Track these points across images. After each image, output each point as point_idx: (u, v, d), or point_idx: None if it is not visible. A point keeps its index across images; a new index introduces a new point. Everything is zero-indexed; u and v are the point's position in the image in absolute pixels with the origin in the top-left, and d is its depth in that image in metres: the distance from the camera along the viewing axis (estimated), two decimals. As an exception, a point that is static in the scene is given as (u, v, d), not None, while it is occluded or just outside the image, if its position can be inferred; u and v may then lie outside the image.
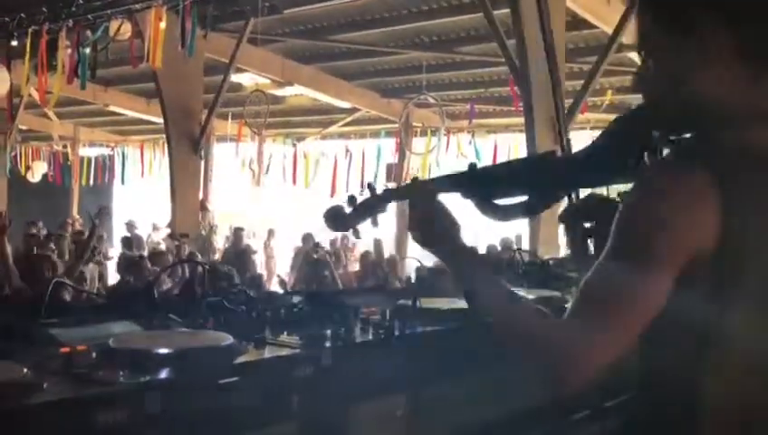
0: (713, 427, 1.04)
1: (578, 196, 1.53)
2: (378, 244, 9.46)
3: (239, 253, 8.66)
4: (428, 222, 1.27)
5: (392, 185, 11.68)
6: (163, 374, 1.30)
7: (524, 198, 1.34)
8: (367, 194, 1.45)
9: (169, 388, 1.27)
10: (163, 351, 1.38)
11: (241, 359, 1.45)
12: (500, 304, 1.15)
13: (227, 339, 1.47)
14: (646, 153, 1.18)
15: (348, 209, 1.46)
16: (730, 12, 1.05)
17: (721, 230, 0.99)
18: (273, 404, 1.41)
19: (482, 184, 1.35)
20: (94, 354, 1.35)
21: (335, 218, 1.49)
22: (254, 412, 1.37)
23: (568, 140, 6.80)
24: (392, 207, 1.47)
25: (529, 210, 1.35)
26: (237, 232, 10.23)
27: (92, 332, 1.55)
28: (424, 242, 1.28)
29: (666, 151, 1.15)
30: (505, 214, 1.37)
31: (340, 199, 1.51)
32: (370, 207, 1.45)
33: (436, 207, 1.28)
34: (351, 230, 1.51)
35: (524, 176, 1.36)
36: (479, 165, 1.40)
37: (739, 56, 1.06)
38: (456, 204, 1.34)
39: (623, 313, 1.02)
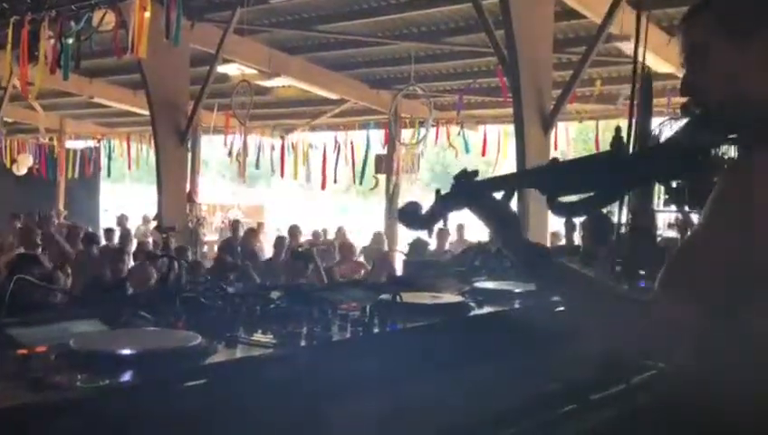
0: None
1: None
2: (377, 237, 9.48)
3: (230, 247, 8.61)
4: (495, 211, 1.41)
5: (382, 177, 11.59)
6: (125, 377, 1.24)
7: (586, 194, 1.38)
8: (453, 193, 1.47)
9: (131, 392, 1.22)
10: (125, 352, 1.31)
11: (209, 360, 1.37)
12: (571, 284, 1.30)
13: (195, 339, 1.41)
14: (713, 150, 1.28)
15: (421, 209, 1.51)
16: None
17: None
18: (244, 407, 1.34)
19: (561, 180, 1.40)
20: (53, 356, 1.29)
21: (413, 218, 1.53)
22: (223, 416, 1.30)
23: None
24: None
25: (594, 205, 1.38)
26: (235, 224, 10.27)
27: (56, 331, 1.47)
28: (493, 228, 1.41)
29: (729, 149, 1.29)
30: (567, 211, 1.45)
31: (417, 197, 1.48)
32: (448, 206, 1.49)
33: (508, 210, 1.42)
34: (428, 231, 1.57)
35: (593, 173, 1.39)
36: (559, 160, 1.46)
37: None
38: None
39: (705, 297, 1.09)
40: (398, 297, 1.86)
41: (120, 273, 4.55)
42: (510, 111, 7.45)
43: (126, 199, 16.12)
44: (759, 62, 1.16)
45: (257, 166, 13.16)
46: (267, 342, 1.50)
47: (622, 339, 1.23)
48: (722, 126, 1.25)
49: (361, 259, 8.92)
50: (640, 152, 1.51)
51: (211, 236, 13.54)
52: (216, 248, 11.89)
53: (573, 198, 1.39)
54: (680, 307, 1.10)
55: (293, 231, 9.74)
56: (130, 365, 1.27)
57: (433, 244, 8.37)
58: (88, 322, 1.57)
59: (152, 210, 10.52)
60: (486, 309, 1.99)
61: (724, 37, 1.19)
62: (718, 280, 1.09)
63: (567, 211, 1.46)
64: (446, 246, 9.20)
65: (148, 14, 7.60)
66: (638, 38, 3.28)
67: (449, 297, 2.08)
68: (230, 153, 12.21)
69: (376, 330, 1.67)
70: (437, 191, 1.51)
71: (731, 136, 1.25)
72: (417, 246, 6.87)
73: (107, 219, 13.79)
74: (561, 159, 1.47)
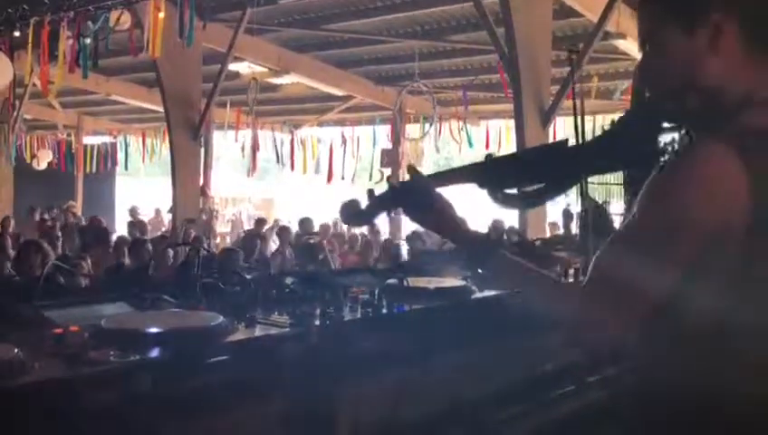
0: (720, 411, 1.04)
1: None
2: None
3: (246, 237, 8.90)
4: (432, 206, 1.36)
5: (387, 171, 11.81)
6: (153, 354, 1.30)
7: (536, 186, 1.37)
8: (384, 189, 1.47)
9: (160, 367, 1.28)
10: (153, 330, 1.37)
11: (231, 338, 1.44)
12: (516, 278, 1.27)
13: (218, 319, 1.47)
14: (659, 141, 1.24)
15: (365, 204, 1.49)
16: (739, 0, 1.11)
17: (751, 207, 1.01)
18: (263, 382, 1.42)
19: (497, 174, 1.38)
20: (86, 335, 1.34)
21: (351, 214, 1.52)
22: (244, 390, 1.38)
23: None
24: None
25: (541, 198, 1.38)
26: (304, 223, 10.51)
27: (86, 313, 1.54)
28: (431, 224, 1.39)
29: (677, 138, 1.22)
30: (517, 203, 1.42)
31: (356, 193, 1.57)
32: (387, 202, 1.47)
33: (441, 199, 1.36)
34: (368, 227, 1.59)
35: (538, 165, 1.38)
36: (494, 156, 1.45)
37: (746, 43, 1.11)
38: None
39: (636, 285, 1.05)
40: (404, 281, 1.97)
41: (142, 260, 4.84)
42: (510, 106, 7.67)
43: (141, 193, 16.43)
44: (705, 48, 1.11)
45: (278, 160, 13.37)
46: (284, 322, 1.58)
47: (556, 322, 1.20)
48: (671, 114, 1.22)
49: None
50: (584, 143, 1.49)
51: (223, 229, 13.86)
52: (227, 240, 12.25)
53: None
54: (605, 298, 1.08)
55: (305, 224, 9.99)
56: (158, 343, 1.35)
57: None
58: (115, 304, 1.66)
59: (164, 203, 10.81)
60: (487, 293, 2.05)
61: (672, 24, 1.15)
62: (642, 276, 1.05)
63: (511, 203, 1.43)
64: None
65: (162, 15, 7.85)
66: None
67: (452, 281, 2.16)
68: (242, 148, 12.48)
69: (384, 311, 1.76)
70: (370, 191, 1.49)
71: (674, 125, 1.23)
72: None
73: (123, 212, 14.12)
74: (494, 155, 1.47)
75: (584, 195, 2.76)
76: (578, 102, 2.88)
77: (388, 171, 12.18)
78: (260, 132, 12.53)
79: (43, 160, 15.11)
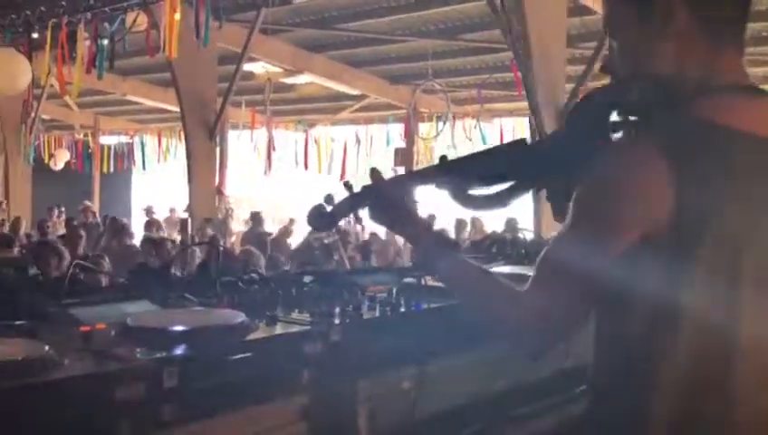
0: (664, 397, 1.03)
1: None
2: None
3: (257, 236, 8.97)
4: (392, 208, 1.36)
5: (401, 169, 11.87)
6: (178, 351, 1.32)
7: (500, 187, 1.34)
8: (345, 193, 1.46)
9: (184, 363, 1.30)
10: (178, 328, 1.39)
11: (253, 335, 1.47)
12: (460, 277, 1.25)
13: (240, 317, 1.49)
14: (613, 134, 1.19)
15: (327, 208, 1.49)
16: None
17: (675, 201, 0.99)
18: (284, 378, 1.45)
19: (454, 175, 1.36)
20: (112, 332, 1.38)
21: (317, 218, 1.51)
22: (266, 386, 1.41)
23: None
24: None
25: (503, 199, 1.35)
26: (256, 216, 10.58)
27: (110, 311, 1.57)
28: (390, 225, 1.40)
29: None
30: (480, 204, 1.39)
31: (320, 199, 1.55)
32: (350, 206, 1.48)
33: (396, 195, 1.37)
34: (335, 230, 1.61)
35: (496, 165, 1.36)
36: (450, 156, 1.42)
37: (698, 29, 1.09)
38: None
39: (570, 285, 1.06)
40: (422, 280, 1.97)
41: (166, 259, 4.90)
42: (525, 104, 7.68)
43: (157, 192, 16.56)
44: (657, 34, 1.10)
45: (300, 163, 13.43)
46: (304, 320, 1.60)
47: (501, 329, 1.21)
48: (625, 103, 1.18)
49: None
50: (540, 142, 1.43)
51: (238, 227, 13.94)
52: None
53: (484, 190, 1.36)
54: (549, 297, 1.08)
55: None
56: (182, 340, 1.36)
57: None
58: (138, 302, 1.67)
59: (179, 203, 10.89)
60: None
61: (625, 9, 1.14)
62: (583, 274, 1.05)
63: (476, 205, 1.40)
64: (465, 236, 9.50)
65: (178, 16, 7.93)
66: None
67: None
68: (255, 148, 12.56)
69: (402, 309, 1.77)
70: (346, 184, 1.49)
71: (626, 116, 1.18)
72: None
73: (139, 211, 14.26)
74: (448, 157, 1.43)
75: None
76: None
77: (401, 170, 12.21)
78: (274, 132, 12.58)
79: (61, 160, 15.27)
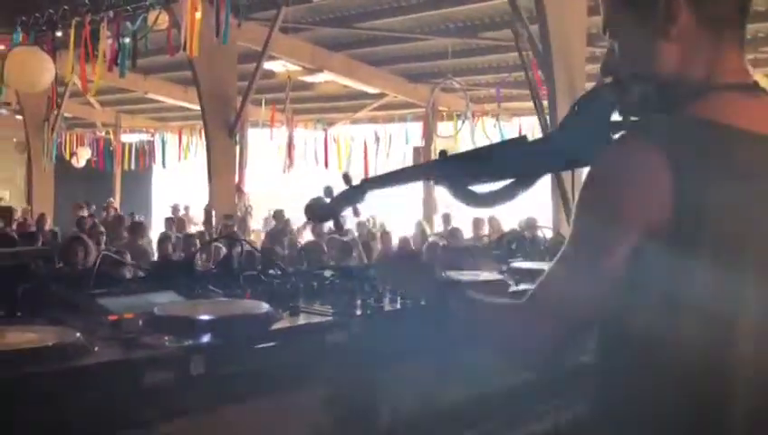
0: (670, 392, 1.04)
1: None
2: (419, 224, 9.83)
3: (278, 232, 9.05)
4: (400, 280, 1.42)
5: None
6: (205, 339, 1.36)
7: (499, 184, 1.34)
8: (344, 185, 1.47)
9: (211, 352, 1.33)
10: (205, 317, 1.43)
11: (277, 325, 1.49)
12: (469, 308, 1.23)
13: (264, 307, 1.52)
14: (614, 133, 1.19)
15: (326, 200, 1.50)
16: None
17: (676, 200, 0.99)
18: (307, 368, 1.47)
19: (454, 171, 1.36)
20: (140, 322, 1.41)
21: (316, 210, 1.53)
22: (289, 375, 1.43)
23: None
24: (372, 195, 1.51)
25: (503, 196, 1.34)
26: (278, 213, 10.68)
27: (137, 301, 1.60)
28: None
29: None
30: (479, 200, 1.39)
31: (319, 192, 1.56)
32: (348, 198, 1.48)
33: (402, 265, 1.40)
34: (333, 222, 1.56)
35: (498, 162, 1.35)
36: (450, 153, 1.43)
37: (700, 29, 1.08)
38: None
39: (577, 282, 1.06)
40: (442, 274, 1.90)
41: (191, 253, 4.98)
42: (545, 103, 7.66)
43: (177, 189, 16.68)
44: (658, 34, 1.09)
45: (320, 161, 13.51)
46: (326, 311, 1.62)
47: (500, 344, 1.19)
48: (625, 104, 1.19)
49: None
50: (541, 139, 1.42)
51: (256, 225, 14.02)
52: (261, 237, 12.40)
53: (485, 188, 1.37)
54: (556, 294, 1.08)
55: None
56: (209, 329, 1.39)
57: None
58: (165, 293, 1.71)
59: (196, 201, 10.97)
60: (523, 286, 2.04)
61: (625, 9, 1.13)
62: (573, 287, 1.06)
63: (478, 201, 1.41)
64: (486, 231, 9.51)
65: (199, 15, 8.01)
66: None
67: (489, 275, 2.18)
68: (278, 146, 12.63)
69: (423, 302, 1.74)
70: (345, 176, 1.51)
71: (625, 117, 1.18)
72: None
73: (160, 208, 14.39)
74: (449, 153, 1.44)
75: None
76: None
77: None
78: (293, 130, 12.66)
79: (82, 158, 15.44)
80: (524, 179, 1.33)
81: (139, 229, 8.30)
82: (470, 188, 1.37)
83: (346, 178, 1.49)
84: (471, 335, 1.30)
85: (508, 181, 1.33)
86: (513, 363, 1.22)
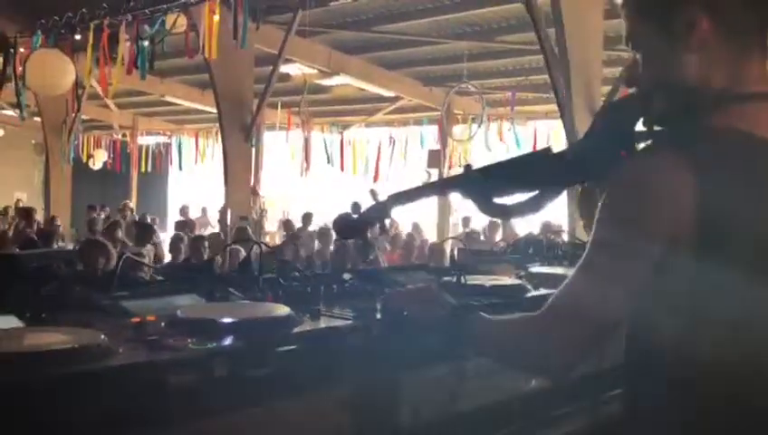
0: (698, 412, 1.04)
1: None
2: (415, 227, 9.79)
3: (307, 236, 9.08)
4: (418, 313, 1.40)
5: (434, 171, 11.83)
6: (228, 341, 1.37)
7: (525, 195, 1.35)
8: (371, 201, 1.49)
9: (234, 354, 1.34)
10: (228, 320, 1.44)
11: (299, 328, 1.50)
12: (484, 331, 1.24)
13: (286, 310, 1.54)
14: (637, 144, 1.20)
15: (354, 217, 1.51)
16: None
17: (699, 209, 0.99)
18: (328, 370, 1.48)
19: (479, 184, 1.37)
20: (163, 324, 1.42)
21: (344, 227, 1.54)
22: (311, 377, 1.44)
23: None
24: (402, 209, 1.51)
25: (530, 208, 1.35)
26: (307, 217, 10.75)
27: (159, 304, 1.61)
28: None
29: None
30: (506, 212, 1.40)
31: (348, 208, 1.56)
32: (374, 214, 1.49)
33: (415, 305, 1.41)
34: (362, 241, 1.56)
35: (522, 174, 1.36)
36: (483, 160, 1.52)
37: (720, 39, 1.08)
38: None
39: (601, 287, 1.06)
40: (461, 279, 1.97)
41: (200, 256, 5.01)
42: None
43: (194, 192, 16.78)
44: (679, 45, 1.09)
45: (329, 161, 13.56)
46: (347, 314, 1.63)
47: (519, 360, 1.21)
48: (647, 115, 1.19)
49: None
50: (566, 151, 1.38)
51: (271, 227, 14.07)
52: (276, 239, 12.45)
53: (509, 199, 1.37)
54: (568, 319, 1.08)
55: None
56: (232, 332, 1.41)
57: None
58: (187, 296, 1.72)
59: (212, 202, 11.01)
60: (542, 291, 2.05)
61: (647, 20, 1.13)
62: (593, 300, 1.06)
63: (504, 213, 1.42)
64: (498, 238, 9.49)
65: (216, 18, 8.06)
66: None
67: (508, 280, 2.18)
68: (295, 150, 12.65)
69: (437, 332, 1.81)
70: (371, 192, 1.52)
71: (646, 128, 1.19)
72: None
73: (175, 211, 14.48)
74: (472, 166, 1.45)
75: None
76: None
77: (435, 171, 12.23)
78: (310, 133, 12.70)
79: (99, 160, 15.55)
80: (550, 191, 1.34)
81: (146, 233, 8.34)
82: (495, 200, 1.38)
83: (372, 193, 1.50)
84: (489, 356, 1.32)
85: (533, 193, 1.34)
86: (534, 375, 1.25)
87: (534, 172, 1.36)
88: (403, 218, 11.78)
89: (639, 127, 1.22)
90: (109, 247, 4.68)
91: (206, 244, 6.24)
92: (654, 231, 1.03)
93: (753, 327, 1.02)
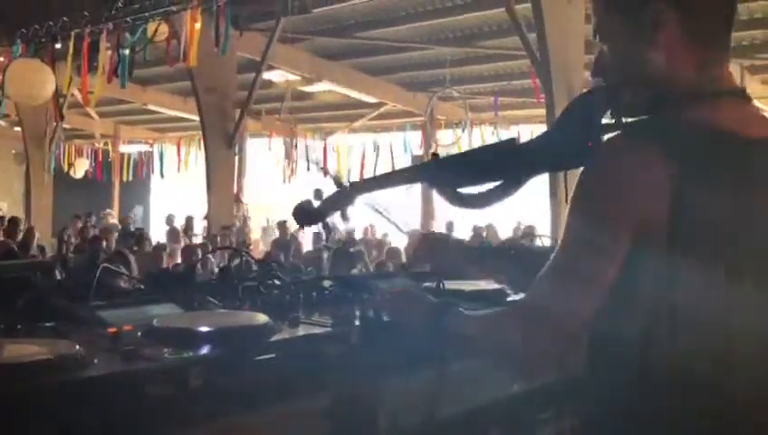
0: (660, 397, 1.03)
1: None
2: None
3: (284, 243, 9.05)
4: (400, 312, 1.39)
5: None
6: (204, 351, 1.36)
7: (489, 186, 1.34)
8: (334, 188, 1.47)
9: (210, 363, 1.33)
10: (204, 329, 1.42)
11: (276, 337, 1.49)
12: (465, 324, 1.22)
13: (264, 318, 1.52)
14: (603, 135, 1.20)
15: (315, 204, 1.50)
16: None
17: (672, 202, 0.99)
18: (307, 379, 1.47)
19: (447, 174, 1.36)
20: (139, 334, 1.41)
21: (303, 213, 1.52)
22: (289, 386, 1.43)
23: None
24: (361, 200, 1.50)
25: (495, 197, 1.34)
26: (281, 225, 10.71)
27: (136, 313, 1.59)
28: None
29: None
30: (469, 202, 1.39)
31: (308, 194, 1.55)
32: (336, 202, 1.48)
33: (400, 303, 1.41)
34: (321, 225, 1.54)
35: (488, 164, 1.35)
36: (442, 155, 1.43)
37: (687, 37, 1.08)
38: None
39: (570, 281, 1.05)
40: (440, 284, 1.95)
41: (193, 264, 5.01)
42: (542, 111, 7.68)
43: (176, 200, 16.70)
44: (646, 40, 1.09)
45: (308, 168, 13.56)
46: (325, 322, 1.62)
47: (501, 354, 1.18)
48: (615, 107, 1.19)
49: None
50: (532, 141, 1.36)
51: (255, 235, 14.01)
52: (260, 247, 12.41)
53: (474, 189, 1.36)
54: (550, 294, 1.07)
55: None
56: (209, 341, 1.39)
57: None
58: (164, 305, 1.70)
59: (197, 209, 10.98)
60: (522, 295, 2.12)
61: (614, 14, 1.13)
62: (566, 294, 1.05)
63: (468, 203, 1.40)
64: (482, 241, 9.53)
65: (198, 25, 8.04)
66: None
67: (487, 284, 2.14)
68: (286, 157, 12.64)
69: (420, 330, 1.76)
70: (335, 179, 1.51)
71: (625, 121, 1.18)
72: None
73: (158, 219, 14.40)
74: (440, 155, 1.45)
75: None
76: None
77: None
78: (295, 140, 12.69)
79: (80, 169, 15.45)
80: (514, 181, 1.32)
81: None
82: (459, 190, 1.38)
83: (336, 181, 1.49)
84: (472, 350, 1.30)
85: (498, 183, 1.33)
86: (514, 372, 1.24)
87: (500, 162, 1.35)
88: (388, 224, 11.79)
89: (606, 119, 1.23)
90: (130, 258, 4.64)
91: (199, 252, 6.22)
92: (624, 222, 1.02)
93: (719, 328, 1.02)
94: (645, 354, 1.03)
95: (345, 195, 1.48)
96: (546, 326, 1.06)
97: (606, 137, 1.18)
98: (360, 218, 11.27)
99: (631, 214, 1.02)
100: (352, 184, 1.49)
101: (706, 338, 1.01)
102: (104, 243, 8.06)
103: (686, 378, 1.01)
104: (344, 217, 1.52)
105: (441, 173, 1.36)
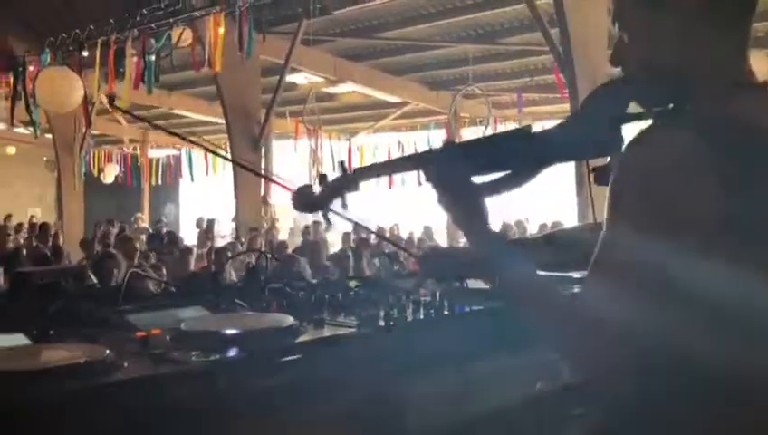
0: (708, 396, 1.00)
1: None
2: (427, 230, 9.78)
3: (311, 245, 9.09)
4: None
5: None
6: (232, 353, 1.37)
7: (499, 175, 1.28)
8: (338, 173, 1.42)
9: (237, 366, 1.35)
10: (231, 332, 1.45)
11: (302, 338, 1.51)
12: (530, 289, 1.12)
13: (289, 320, 1.54)
14: (622, 126, 1.16)
15: (317, 189, 1.45)
16: None
17: (728, 200, 0.94)
18: (333, 379, 1.47)
19: (454, 160, 1.29)
20: (168, 337, 1.43)
21: (305, 200, 1.47)
22: (316, 387, 1.43)
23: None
24: (365, 186, 1.43)
25: (503, 187, 1.29)
26: (315, 225, 10.82)
27: (164, 317, 1.62)
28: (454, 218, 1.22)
29: (643, 124, 1.10)
30: (487, 190, 1.30)
31: (311, 180, 1.53)
32: (338, 187, 1.43)
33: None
34: (321, 214, 1.47)
35: (500, 152, 1.29)
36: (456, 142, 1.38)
37: (712, 23, 1.05)
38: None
39: (626, 285, 0.98)
40: (464, 283, 1.96)
41: (221, 267, 5.09)
42: (566, 106, 7.64)
43: (205, 202, 16.87)
44: (672, 29, 1.06)
45: (334, 169, 13.61)
46: (351, 323, 1.62)
47: (557, 347, 1.11)
48: (639, 97, 1.15)
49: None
50: (548, 129, 1.29)
51: (282, 237, 14.10)
52: (289, 248, 12.48)
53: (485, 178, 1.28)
54: (603, 305, 0.99)
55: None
56: (236, 343, 1.41)
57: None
58: (192, 308, 1.73)
59: (226, 211, 11.08)
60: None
61: (638, 2, 1.10)
62: (630, 278, 0.97)
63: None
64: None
65: (222, 30, 8.13)
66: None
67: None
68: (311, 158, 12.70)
69: (446, 312, 1.79)
70: (341, 163, 1.47)
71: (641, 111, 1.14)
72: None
73: (188, 222, 14.56)
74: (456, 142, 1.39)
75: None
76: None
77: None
78: (318, 141, 12.74)
79: (110, 174, 15.69)
80: (526, 171, 1.27)
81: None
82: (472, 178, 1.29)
83: (341, 166, 1.44)
84: (529, 321, 1.15)
85: (507, 172, 1.26)
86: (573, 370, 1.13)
87: (514, 150, 1.28)
88: (414, 223, 11.81)
89: (629, 109, 1.18)
90: (119, 260, 4.72)
91: (229, 254, 6.31)
92: (689, 215, 0.95)
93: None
94: (707, 361, 0.97)
95: (348, 180, 1.42)
96: (599, 335, 0.99)
97: (629, 128, 1.14)
98: (384, 219, 11.27)
99: (689, 214, 0.96)
100: (356, 169, 1.43)
101: (757, 349, 0.97)
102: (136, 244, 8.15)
103: (735, 388, 0.98)
104: (344, 205, 1.44)
105: (448, 159, 1.27)
